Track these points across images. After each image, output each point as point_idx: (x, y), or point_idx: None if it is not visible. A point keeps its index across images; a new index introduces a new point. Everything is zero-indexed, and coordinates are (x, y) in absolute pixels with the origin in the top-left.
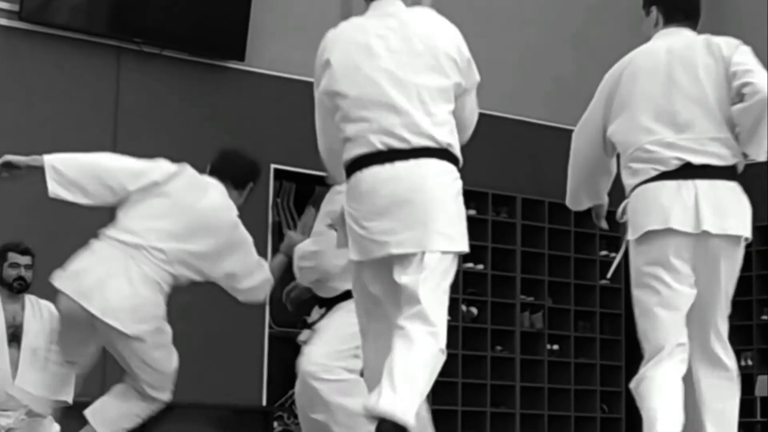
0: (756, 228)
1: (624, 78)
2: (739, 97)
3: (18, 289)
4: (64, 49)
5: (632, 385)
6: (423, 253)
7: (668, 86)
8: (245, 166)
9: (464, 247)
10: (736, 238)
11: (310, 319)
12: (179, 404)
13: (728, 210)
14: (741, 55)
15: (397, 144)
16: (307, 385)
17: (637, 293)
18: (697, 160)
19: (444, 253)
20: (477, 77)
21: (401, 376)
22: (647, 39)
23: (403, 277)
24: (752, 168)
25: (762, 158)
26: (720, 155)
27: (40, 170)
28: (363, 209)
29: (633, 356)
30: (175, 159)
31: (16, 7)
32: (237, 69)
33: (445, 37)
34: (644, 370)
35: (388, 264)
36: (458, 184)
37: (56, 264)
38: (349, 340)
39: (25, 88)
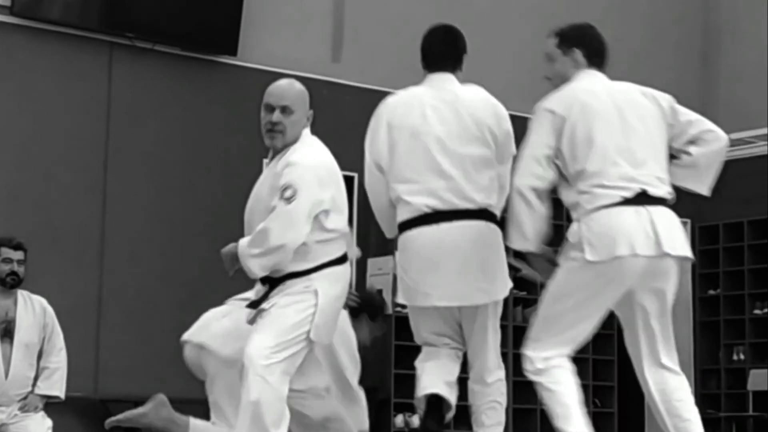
0: (749, 222)
1: (575, 115)
2: (689, 143)
3: (11, 284)
4: (57, 44)
5: (539, 373)
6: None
7: (624, 127)
8: (380, 304)
9: (500, 294)
10: (683, 259)
11: (254, 297)
12: (176, 399)
13: (677, 234)
14: (682, 108)
15: (441, 206)
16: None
17: (576, 298)
18: (651, 191)
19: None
20: (513, 150)
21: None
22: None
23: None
24: (751, 162)
25: (708, 194)
26: (664, 192)
27: None
28: (412, 263)
29: (626, 351)
30: (168, 153)
31: (7, 2)
32: (229, 64)
33: (490, 113)
34: (551, 364)
35: (437, 311)
36: (496, 236)
37: (48, 259)
38: (289, 331)
39: (18, 83)
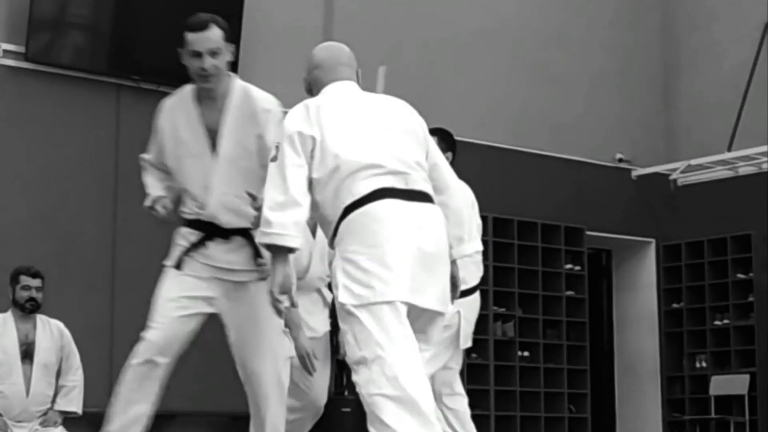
0: (709, 241)
1: None
2: None
3: (30, 309)
4: (68, 86)
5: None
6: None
7: None
8: None
9: None
10: None
11: None
12: (180, 412)
13: None
14: None
15: None
16: None
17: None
18: None
19: None
20: None
21: None
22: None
23: None
24: (709, 186)
25: None
26: None
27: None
28: None
29: (597, 361)
30: None
31: (22, 49)
32: None
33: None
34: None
35: None
36: None
37: (64, 286)
38: None
39: (32, 123)
